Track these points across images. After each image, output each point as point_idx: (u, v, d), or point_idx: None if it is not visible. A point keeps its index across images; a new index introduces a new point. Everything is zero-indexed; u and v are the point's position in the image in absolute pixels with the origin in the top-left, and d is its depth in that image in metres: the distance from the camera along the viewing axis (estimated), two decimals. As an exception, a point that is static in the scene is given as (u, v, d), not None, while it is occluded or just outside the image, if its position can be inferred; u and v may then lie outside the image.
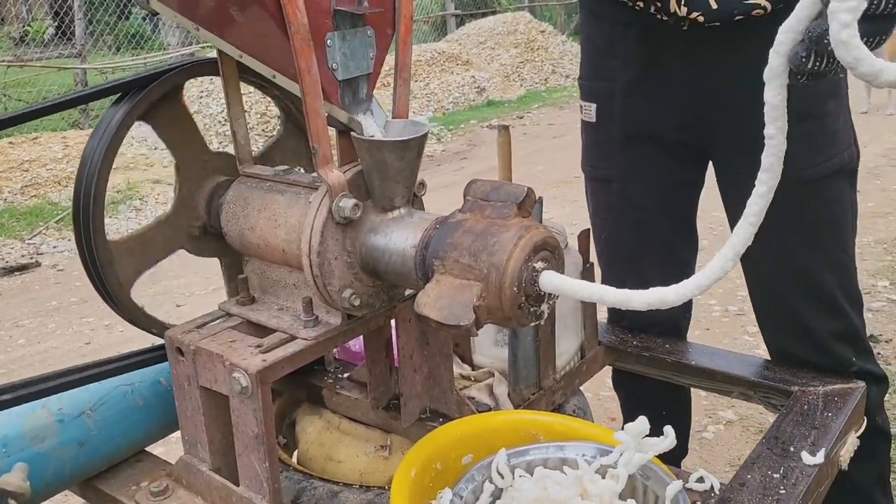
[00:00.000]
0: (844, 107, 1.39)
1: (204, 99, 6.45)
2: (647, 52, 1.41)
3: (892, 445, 1.57)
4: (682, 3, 1.24)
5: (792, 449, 1.12)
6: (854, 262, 1.45)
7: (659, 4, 1.27)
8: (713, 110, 1.39)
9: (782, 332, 1.46)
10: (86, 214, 1.03)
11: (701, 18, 1.24)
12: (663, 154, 1.49)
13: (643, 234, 1.55)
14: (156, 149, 6.33)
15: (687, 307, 1.69)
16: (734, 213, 1.46)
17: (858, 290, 1.46)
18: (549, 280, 0.83)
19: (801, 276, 1.40)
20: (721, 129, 1.41)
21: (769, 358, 1.48)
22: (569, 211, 4.57)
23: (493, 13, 11.70)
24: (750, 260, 1.30)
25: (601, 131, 1.53)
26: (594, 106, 1.53)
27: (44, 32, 10.76)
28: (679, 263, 1.57)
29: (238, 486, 1.00)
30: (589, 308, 1.42)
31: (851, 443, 1.21)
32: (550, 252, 0.85)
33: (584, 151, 1.61)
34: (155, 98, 1.06)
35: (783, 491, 1.04)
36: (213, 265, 1.21)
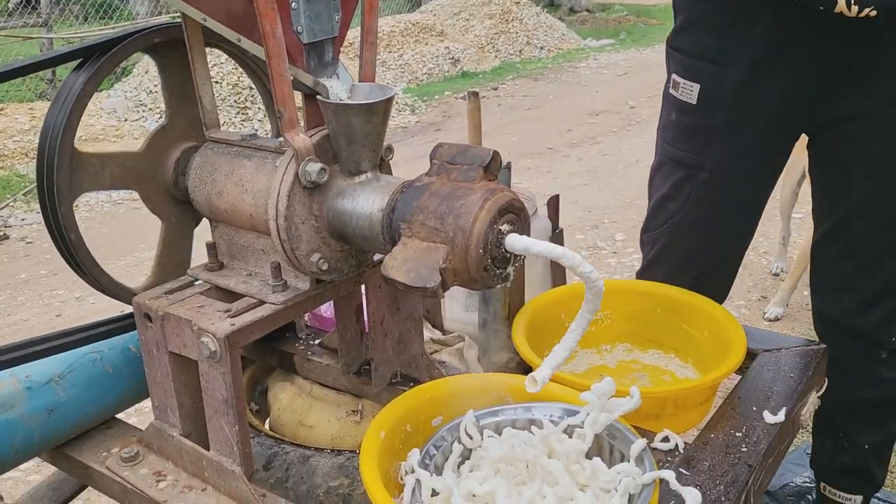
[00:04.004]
0: None
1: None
2: (771, 46, 1.35)
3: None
4: (853, 2, 1.19)
5: (754, 408, 1.15)
6: None
7: (822, 8, 1.22)
8: (833, 97, 1.37)
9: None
10: (49, 184, 1.02)
11: (873, 14, 1.20)
12: (763, 146, 1.44)
13: (720, 227, 1.53)
14: (125, 120, 6.23)
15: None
16: (829, 194, 1.52)
17: None
18: (515, 242, 0.84)
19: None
20: (835, 110, 1.39)
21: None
22: (542, 182, 4.58)
23: (468, -17, 11.57)
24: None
25: (701, 116, 1.45)
26: (697, 87, 1.42)
27: (8, 1, 10.49)
28: (734, 261, 1.62)
29: (208, 450, 1.01)
30: (558, 272, 1.44)
31: (812, 402, 1.24)
32: (516, 214, 0.86)
33: (673, 131, 1.52)
34: (170, 37, 1.07)
35: (745, 449, 1.06)
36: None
